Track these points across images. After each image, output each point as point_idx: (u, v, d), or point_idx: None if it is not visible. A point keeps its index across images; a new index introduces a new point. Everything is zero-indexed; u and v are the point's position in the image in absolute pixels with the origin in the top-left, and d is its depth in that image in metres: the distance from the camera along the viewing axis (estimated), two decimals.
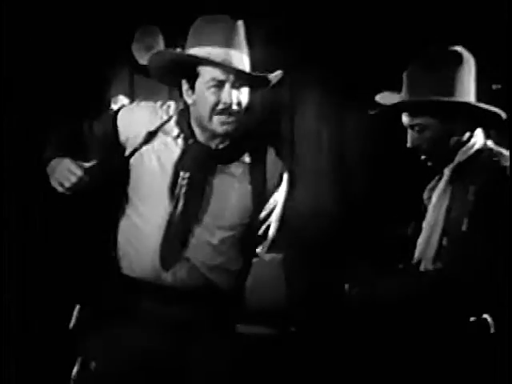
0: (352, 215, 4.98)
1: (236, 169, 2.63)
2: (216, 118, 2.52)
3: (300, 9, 4.91)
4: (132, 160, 2.61)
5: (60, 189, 2.52)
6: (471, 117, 2.44)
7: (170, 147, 2.60)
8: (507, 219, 2.27)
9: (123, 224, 2.64)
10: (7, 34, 3.89)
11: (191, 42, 2.59)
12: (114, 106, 2.98)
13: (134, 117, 2.65)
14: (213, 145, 2.60)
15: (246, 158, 2.65)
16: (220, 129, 2.54)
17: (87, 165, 2.50)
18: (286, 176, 2.76)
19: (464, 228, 2.34)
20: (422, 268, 2.45)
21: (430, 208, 2.49)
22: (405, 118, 2.51)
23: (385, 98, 2.58)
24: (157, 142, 2.60)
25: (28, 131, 3.82)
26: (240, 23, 2.58)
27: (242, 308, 2.84)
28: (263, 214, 2.73)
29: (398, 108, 2.49)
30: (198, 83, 2.55)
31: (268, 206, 2.73)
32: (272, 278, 4.70)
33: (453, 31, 3.95)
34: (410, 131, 2.50)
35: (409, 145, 2.51)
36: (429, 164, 2.52)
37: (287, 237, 5.02)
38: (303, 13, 4.92)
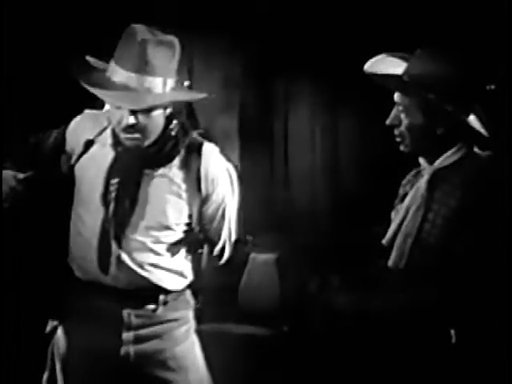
0: (345, 214, 4.99)
1: (168, 169, 2.68)
2: (122, 134, 2.59)
3: (294, 10, 4.92)
4: (75, 168, 2.70)
5: None
6: (460, 127, 2.40)
7: (105, 155, 2.67)
8: (491, 233, 2.26)
9: (71, 229, 2.72)
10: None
11: (116, 50, 2.62)
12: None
13: (79, 126, 2.74)
14: (143, 150, 2.64)
15: (179, 157, 2.69)
16: (127, 143, 2.60)
17: (21, 176, 2.59)
18: (231, 171, 2.78)
19: (440, 240, 2.32)
20: (395, 278, 2.44)
21: (408, 216, 2.45)
22: (396, 93, 2.47)
23: (384, 63, 2.51)
24: (96, 151, 2.68)
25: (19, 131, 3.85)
26: (153, 46, 2.54)
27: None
28: (209, 213, 2.74)
29: (394, 82, 2.43)
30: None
31: (212, 204, 2.74)
32: (266, 278, 4.70)
33: (450, 31, 3.96)
34: (395, 107, 2.47)
35: (387, 121, 2.48)
36: (401, 148, 2.47)
37: (280, 237, 5.04)
38: (297, 14, 4.92)
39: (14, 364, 3.59)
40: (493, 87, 2.48)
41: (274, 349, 4.40)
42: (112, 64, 2.58)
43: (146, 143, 2.61)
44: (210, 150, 2.73)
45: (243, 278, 4.76)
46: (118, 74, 2.54)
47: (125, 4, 4.43)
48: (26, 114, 4.08)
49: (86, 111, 2.77)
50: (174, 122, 2.65)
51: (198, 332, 2.82)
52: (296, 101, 5.24)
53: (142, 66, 2.53)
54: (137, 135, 2.57)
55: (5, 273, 3.15)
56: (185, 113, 3.39)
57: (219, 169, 2.74)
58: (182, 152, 2.69)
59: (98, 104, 2.71)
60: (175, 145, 2.68)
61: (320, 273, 4.66)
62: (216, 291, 4.46)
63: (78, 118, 2.77)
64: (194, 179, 2.68)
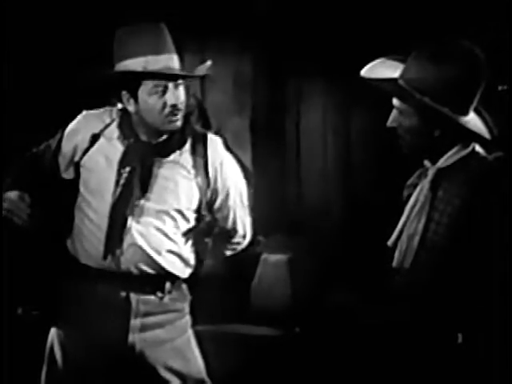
0: (357, 215, 4.98)
1: (178, 156, 2.80)
2: (166, 119, 2.72)
3: (307, 9, 4.93)
4: (82, 162, 2.81)
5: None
6: (457, 128, 2.40)
7: (114, 147, 2.80)
8: (497, 231, 2.26)
9: (76, 215, 2.82)
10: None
11: (120, 54, 2.74)
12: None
13: (81, 125, 2.86)
14: (153, 140, 2.79)
15: (187, 145, 2.82)
16: (170, 127, 2.74)
17: (28, 199, 2.71)
18: (233, 161, 2.89)
19: (444, 240, 2.33)
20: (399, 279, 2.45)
21: (411, 216, 2.46)
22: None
23: (383, 66, 2.54)
24: (103, 144, 2.81)
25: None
26: (163, 26, 2.75)
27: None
28: (218, 199, 2.85)
29: (388, 85, 2.45)
30: (141, 92, 2.71)
31: (219, 190, 2.85)
32: (277, 278, 4.71)
33: (457, 31, 3.96)
34: (394, 110, 2.49)
35: (387, 124, 2.50)
36: (404, 151, 2.49)
37: (292, 237, 5.04)
38: (310, 14, 4.93)
39: (13, 357, 3.62)
40: (505, 87, 2.48)
41: (285, 350, 4.40)
42: (140, 59, 2.68)
43: (180, 123, 2.75)
44: (214, 140, 2.87)
45: (255, 279, 4.77)
46: (156, 61, 2.68)
47: (136, 6, 4.45)
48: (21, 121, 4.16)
49: (85, 112, 2.88)
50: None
51: (208, 333, 2.85)
52: (308, 101, 5.24)
53: (171, 48, 2.73)
54: (179, 115, 2.72)
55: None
56: (196, 113, 3.47)
57: (224, 157, 2.86)
58: (189, 140, 2.82)
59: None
60: (182, 133, 2.80)
61: (331, 274, 4.66)
62: (226, 291, 4.48)
63: (78, 119, 2.88)
64: (202, 165, 2.80)
